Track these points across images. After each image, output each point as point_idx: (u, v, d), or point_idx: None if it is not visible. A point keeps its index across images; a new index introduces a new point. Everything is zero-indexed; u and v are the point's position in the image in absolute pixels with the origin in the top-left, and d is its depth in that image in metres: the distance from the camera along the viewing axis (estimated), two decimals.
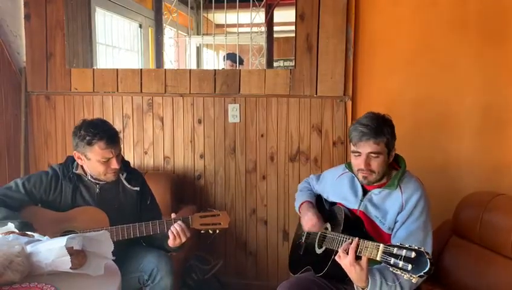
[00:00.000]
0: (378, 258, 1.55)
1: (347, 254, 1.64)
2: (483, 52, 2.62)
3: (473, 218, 2.16)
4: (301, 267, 2.10)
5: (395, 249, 1.51)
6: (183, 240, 2.02)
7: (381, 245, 1.55)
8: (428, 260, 1.43)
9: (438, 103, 2.69)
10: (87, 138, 2.04)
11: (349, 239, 1.72)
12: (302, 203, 2.18)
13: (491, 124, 2.65)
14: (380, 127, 1.85)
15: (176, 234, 2.00)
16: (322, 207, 2.19)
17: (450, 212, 2.30)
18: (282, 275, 2.80)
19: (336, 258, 1.69)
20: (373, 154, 1.85)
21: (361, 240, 1.66)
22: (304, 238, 2.18)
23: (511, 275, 1.96)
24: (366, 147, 1.84)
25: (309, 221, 2.05)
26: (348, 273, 1.68)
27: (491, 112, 2.64)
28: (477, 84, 2.64)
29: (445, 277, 2.19)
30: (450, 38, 2.65)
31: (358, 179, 1.97)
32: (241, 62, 3.31)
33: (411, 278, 1.45)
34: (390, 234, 1.90)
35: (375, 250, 1.57)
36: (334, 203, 2.13)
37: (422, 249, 1.46)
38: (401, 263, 1.47)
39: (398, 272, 1.48)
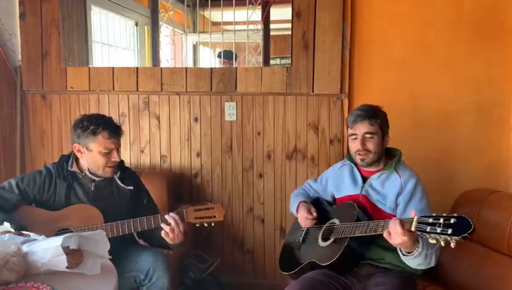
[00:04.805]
0: (412, 229, 1.65)
1: (395, 229, 1.69)
2: (479, 50, 2.62)
3: (469, 215, 2.14)
4: (298, 265, 2.11)
5: (431, 219, 1.60)
6: (176, 232, 1.98)
7: (415, 217, 1.65)
8: (470, 221, 1.54)
9: (435, 101, 2.70)
10: (91, 127, 2.05)
11: (370, 223, 1.85)
12: (298, 205, 2.23)
13: (488, 121, 2.66)
14: (374, 111, 2.05)
15: (172, 226, 1.96)
16: (324, 208, 2.21)
17: (447, 209, 2.30)
18: (279, 273, 2.78)
19: (385, 236, 1.74)
20: (368, 135, 2.00)
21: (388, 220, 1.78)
22: (301, 237, 2.19)
23: (507, 272, 1.97)
24: (362, 128, 2.01)
25: (302, 219, 2.16)
26: (399, 245, 1.75)
27: (487, 109, 2.65)
28: (474, 81, 2.65)
29: (441, 273, 2.20)
30: (446, 36, 2.65)
31: (357, 164, 2.09)
32: (235, 58, 3.30)
33: (451, 240, 1.54)
34: (393, 215, 1.96)
35: (407, 223, 1.67)
36: (334, 201, 2.20)
37: (464, 215, 1.56)
38: (439, 229, 1.56)
39: (436, 237, 1.56)
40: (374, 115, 2.03)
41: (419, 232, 1.65)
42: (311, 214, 2.14)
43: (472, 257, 2.13)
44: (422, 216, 1.64)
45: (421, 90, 2.70)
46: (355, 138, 2.03)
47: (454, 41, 2.64)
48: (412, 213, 1.69)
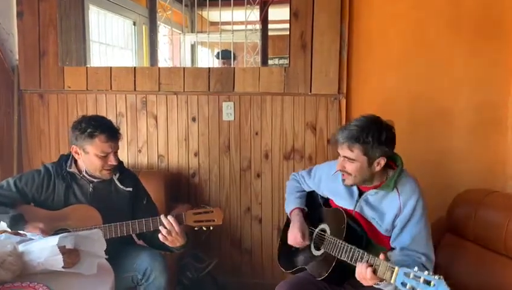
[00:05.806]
0: (392, 281, 1.54)
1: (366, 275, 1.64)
2: (477, 51, 2.63)
3: (466, 215, 2.17)
4: (295, 266, 2.11)
5: (412, 273, 1.49)
6: (174, 235, 1.98)
7: (396, 267, 1.54)
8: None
9: (433, 101, 2.70)
10: (89, 130, 2.05)
11: (355, 251, 1.75)
12: (292, 210, 2.18)
13: (486, 122, 2.66)
14: (358, 134, 1.81)
15: (168, 229, 1.96)
16: (317, 204, 2.19)
17: (444, 209, 2.30)
18: (277, 272, 2.79)
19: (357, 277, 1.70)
20: (348, 159, 1.85)
21: (371, 258, 1.67)
22: None
23: (504, 272, 1.97)
24: (342, 151, 1.86)
25: (293, 238, 2.07)
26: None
27: (486, 109, 2.65)
28: (472, 82, 2.65)
29: (439, 273, 2.19)
30: (444, 37, 2.65)
31: None
32: (232, 57, 3.29)
33: None
34: (388, 237, 1.90)
35: (388, 272, 1.57)
36: (327, 200, 2.14)
37: (445, 281, 1.45)
38: (418, 289, 1.46)
39: None
40: (356, 139, 1.81)
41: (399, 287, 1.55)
42: (304, 241, 2.05)
43: (469, 257, 2.12)
44: (403, 265, 1.54)
45: (419, 90, 2.70)
46: (340, 157, 1.89)
47: (453, 41, 2.64)
48: (383, 256, 1.63)
